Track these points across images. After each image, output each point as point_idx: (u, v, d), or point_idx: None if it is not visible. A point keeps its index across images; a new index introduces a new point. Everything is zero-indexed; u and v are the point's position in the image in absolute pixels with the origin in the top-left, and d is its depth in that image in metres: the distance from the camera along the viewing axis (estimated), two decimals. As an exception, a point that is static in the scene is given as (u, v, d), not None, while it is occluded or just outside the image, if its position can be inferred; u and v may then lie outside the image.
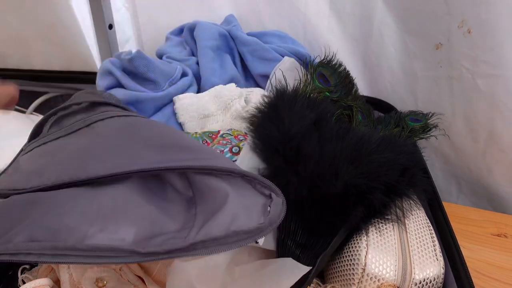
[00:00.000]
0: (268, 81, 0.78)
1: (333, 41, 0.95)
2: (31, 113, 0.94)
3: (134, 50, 0.75)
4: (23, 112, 0.93)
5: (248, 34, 0.90)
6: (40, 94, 0.96)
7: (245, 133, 0.74)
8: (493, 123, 0.78)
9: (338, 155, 0.59)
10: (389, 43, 0.90)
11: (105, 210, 0.45)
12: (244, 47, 0.86)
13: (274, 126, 0.62)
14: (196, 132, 0.74)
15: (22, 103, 0.92)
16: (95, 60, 1.03)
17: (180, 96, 0.77)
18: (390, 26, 0.88)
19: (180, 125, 0.77)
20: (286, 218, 0.58)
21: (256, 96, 0.79)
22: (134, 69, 0.74)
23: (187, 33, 0.91)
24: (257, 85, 0.88)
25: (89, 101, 0.65)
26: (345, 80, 0.81)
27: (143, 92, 0.74)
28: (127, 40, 1.09)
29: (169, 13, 1.05)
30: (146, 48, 1.12)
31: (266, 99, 0.68)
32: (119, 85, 0.75)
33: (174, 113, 0.77)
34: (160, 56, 0.90)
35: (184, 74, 0.82)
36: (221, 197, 0.50)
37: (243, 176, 0.50)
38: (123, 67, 0.75)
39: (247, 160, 0.61)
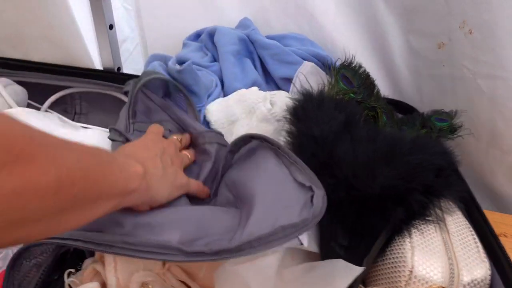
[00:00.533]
0: (292, 84, 0.77)
1: (339, 40, 0.94)
2: (46, 110, 0.92)
3: (173, 56, 0.75)
4: (38, 108, 0.90)
5: (267, 37, 0.89)
6: (55, 88, 0.93)
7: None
8: (495, 123, 0.77)
9: (372, 157, 0.58)
10: (394, 42, 0.90)
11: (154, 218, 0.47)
12: (264, 50, 0.86)
13: (305, 128, 0.61)
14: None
15: (35, 98, 0.90)
16: (93, 61, 1.02)
17: (208, 106, 0.77)
18: (394, 25, 0.88)
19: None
20: (327, 220, 0.58)
21: (281, 98, 0.77)
22: (180, 80, 0.74)
23: (206, 38, 0.90)
24: (278, 88, 0.87)
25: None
26: (366, 81, 0.81)
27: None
28: (125, 40, 1.09)
29: (172, 13, 1.04)
30: (149, 48, 1.11)
31: (293, 102, 0.67)
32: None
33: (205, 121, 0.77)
34: (181, 62, 0.88)
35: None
36: (262, 194, 0.51)
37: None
38: (169, 75, 0.76)
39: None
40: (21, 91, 0.88)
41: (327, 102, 0.65)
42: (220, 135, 0.68)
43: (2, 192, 0.26)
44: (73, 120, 0.97)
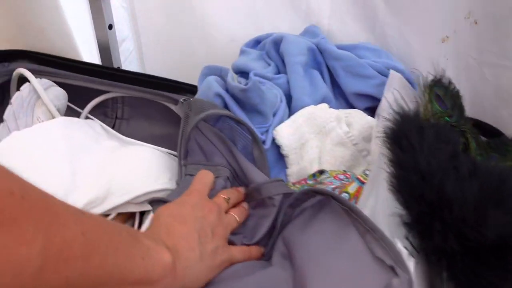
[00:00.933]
0: (383, 99, 0.67)
1: (336, 41, 0.90)
2: (86, 116, 0.86)
3: (230, 73, 0.69)
4: (77, 112, 0.86)
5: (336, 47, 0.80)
6: (95, 92, 0.87)
7: (344, 171, 0.65)
8: (499, 111, 0.78)
9: (480, 197, 0.48)
10: (392, 43, 0.87)
11: None
12: (336, 62, 0.76)
13: (410, 160, 0.52)
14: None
15: (74, 99, 0.85)
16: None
17: (278, 128, 0.69)
18: (392, 26, 0.85)
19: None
20: (437, 277, 0.49)
21: (356, 119, 0.69)
22: (244, 100, 0.67)
23: (270, 47, 0.81)
24: (348, 104, 0.78)
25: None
26: (457, 101, 0.72)
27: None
28: (124, 40, 1.06)
29: (167, 14, 1.02)
30: (144, 50, 1.10)
31: (390, 125, 0.57)
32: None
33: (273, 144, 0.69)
34: (240, 71, 0.81)
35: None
36: (324, 268, 0.44)
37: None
38: (229, 92, 0.68)
39: (386, 204, 0.51)
40: (61, 94, 0.82)
41: (427, 128, 0.55)
42: (282, 182, 0.59)
43: None
44: (113, 126, 0.92)
